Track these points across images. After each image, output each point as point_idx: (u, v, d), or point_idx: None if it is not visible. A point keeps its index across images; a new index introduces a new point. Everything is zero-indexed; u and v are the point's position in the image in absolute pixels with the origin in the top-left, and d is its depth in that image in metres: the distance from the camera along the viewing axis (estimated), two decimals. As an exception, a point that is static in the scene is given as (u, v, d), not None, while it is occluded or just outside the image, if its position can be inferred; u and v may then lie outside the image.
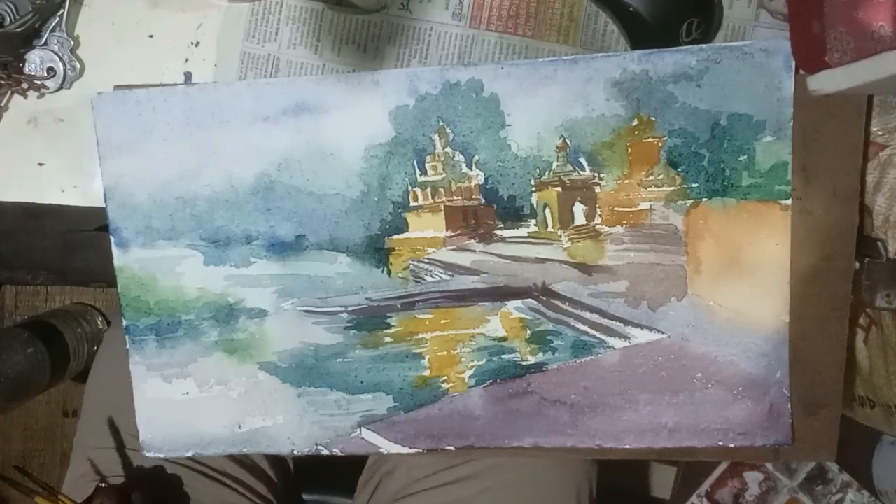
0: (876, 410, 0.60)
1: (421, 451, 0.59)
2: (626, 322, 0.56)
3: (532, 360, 0.57)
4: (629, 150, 0.55)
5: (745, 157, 0.53)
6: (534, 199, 0.56)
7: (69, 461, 0.77)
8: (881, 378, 0.58)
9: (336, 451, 0.60)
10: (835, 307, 0.56)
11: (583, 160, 0.55)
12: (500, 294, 0.57)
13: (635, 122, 0.54)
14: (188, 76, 0.62)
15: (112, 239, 0.59)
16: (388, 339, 0.58)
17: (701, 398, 0.56)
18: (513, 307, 0.57)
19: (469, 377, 0.58)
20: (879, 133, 0.55)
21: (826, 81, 0.50)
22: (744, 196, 0.54)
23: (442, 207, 0.57)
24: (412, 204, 0.57)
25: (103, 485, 0.66)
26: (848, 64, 0.48)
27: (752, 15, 0.57)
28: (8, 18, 0.59)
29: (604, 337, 0.56)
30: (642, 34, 0.55)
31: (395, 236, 0.57)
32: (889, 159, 0.54)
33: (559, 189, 0.55)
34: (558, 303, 0.57)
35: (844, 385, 0.57)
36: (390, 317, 0.58)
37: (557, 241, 0.56)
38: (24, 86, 0.61)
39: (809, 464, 0.83)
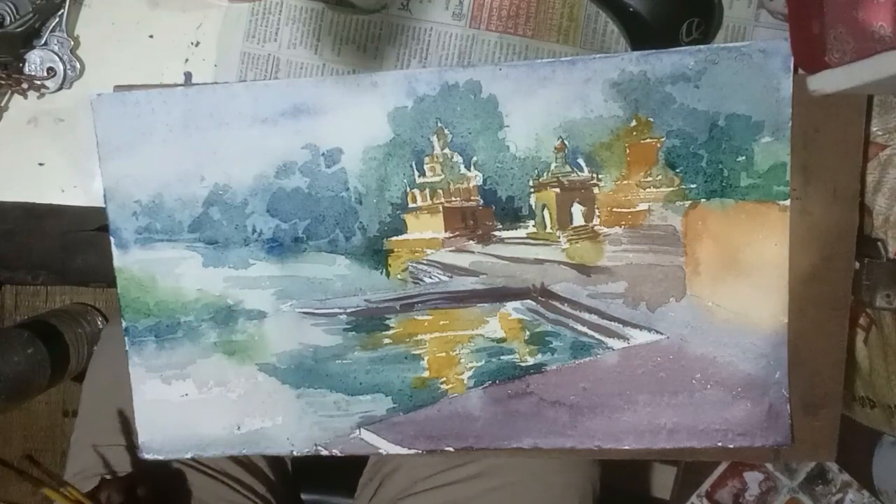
0: (876, 410, 0.60)
1: (420, 451, 0.59)
2: (624, 323, 0.56)
3: (531, 361, 0.57)
4: (627, 151, 0.54)
5: (744, 157, 0.53)
6: (532, 200, 0.56)
7: (66, 460, 0.77)
8: (881, 378, 0.58)
9: (335, 452, 0.60)
10: (835, 307, 0.56)
11: (581, 161, 0.55)
12: (499, 295, 0.57)
13: (633, 123, 0.54)
14: (188, 76, 0.62)
15: (112, 240, 0.59)
16: (386, 341, 0.58)
17: (700, 399, 0.56)
18: (511, 308, 0.57)
19: (468, 378, 0.58)
20: (879, 133, 0.54)
21: (826, 81, 0.50)
22: (742, 197, 0.54)
23: (440, 209, 0.57)
24: (411, 205, 0.57)
25: (108, 477, 0.66)
26: (848, 64, 0.48)
27: (752, 15, 0.57)
28: (8, 18, 0.59)
29: (602, 338, 0.56)
30: (642, 34, 0.55)
31: (394, 238, 0.57)
32: (889, 159, 0.54)
33: (557, 190, 0.55)
34: (557, 304, 0.57)
35: (844, 385, 0.57)
36: (389, 318, 0.58)
37: (556, 241, 0.56)
38: (24, 86, 0.61)
39: (809, 464, 0.83)
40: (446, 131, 0.56)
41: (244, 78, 0.61)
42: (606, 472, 0.74)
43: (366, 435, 0.59)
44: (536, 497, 0.68)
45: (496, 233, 0.56)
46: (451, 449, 0.59)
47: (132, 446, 0.72)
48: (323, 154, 0.57)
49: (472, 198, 0.56)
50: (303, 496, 0.89)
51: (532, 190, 0.56)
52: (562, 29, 0.58)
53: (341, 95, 0.56)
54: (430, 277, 0.57)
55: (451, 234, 0.57)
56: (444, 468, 0.70)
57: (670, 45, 0.54)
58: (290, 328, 0.59)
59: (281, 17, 0.60)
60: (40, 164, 0.64)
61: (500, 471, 0.68)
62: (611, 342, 0.56)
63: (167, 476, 0.71)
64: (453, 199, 0.56)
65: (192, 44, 0.62)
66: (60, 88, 0.62)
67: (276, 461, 0.81)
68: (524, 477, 0.68)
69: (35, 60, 0.61)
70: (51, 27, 0.61)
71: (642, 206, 0.55)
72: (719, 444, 0.57)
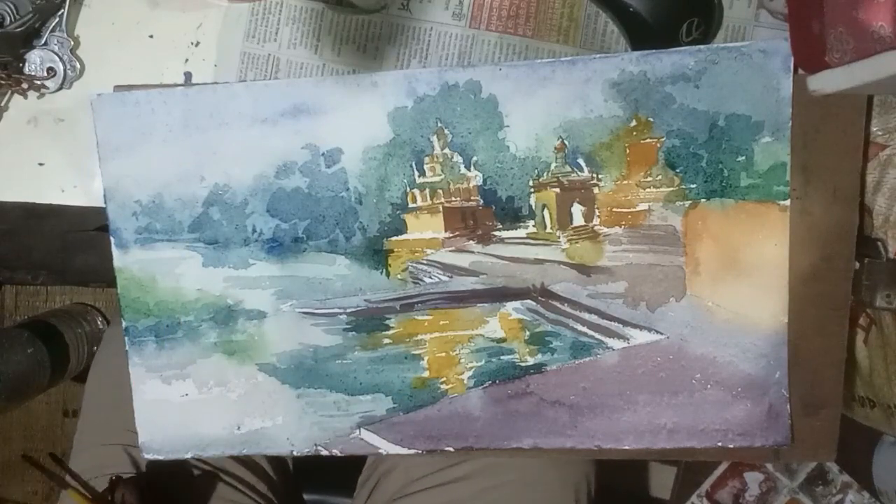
0: (876, 410, 0.60)
1: (420, 451, 0.59)
2: (624, 323, 0.56)
3: (531, 361, 0.57)
4: (627, 151, 0.54)
5: (744, 157, 0.53)
6: (532, 200, 0.56)
7: (68, 460, 0.77)
8: (881, 378, 0.58)
9: (335, 452, 0.60)
10: (835, 307, 0.56)
11: (581, 161, 0.55)
12: (499, 295, 0.57)
13: (633, 123, 0.54)
14: (188, 76, 0.62)
15: (112, 240, 0.59)
16: (386, 341, 0.58)
17: (700, 399, 0.56)
18: (511, 308, 0.57)
19: (468, 378, 0.58)
20: (879, 133, 0.54)
21: (826, 81, 0.50)
22: (742, 197, 0.54)
23: (440, 209, 0.57)
24: (411, 205, 0.57)
25: (122, 476, 0.66)
26: (848, 64, 0.48)
27: (752, 15, 0.57)
28: (8, 18, 0.59)
29: (602, 338, 0.56)
30: (642, 34, 0.55)
31: (394, 238, 0.57)
32: (889, 159, 0.54)
33: (557, 190, 0.55)
34: (557, 304, 0.57)
35: (844, 385, 0.57)
36: (389, 318, 0.58)
37: (556, 241, 0.56)
38: (24, 86, 0.61)
39: (810, 464, 0.83)
40: (446, 131, 0.56)
41: (244, 78, 0.61)
42: (606, 472, 0.74)
43: (366, 435, 0.59)
44: (532, 495, 0.68)
45: (496, 233, 0.56)
46: (450, 449, 0.59)
47: (135, 447, 0.72)
48: (323, 154, 0.57)
49: (472, 198, 0.56)
50: (305, 496, 0.89)
51: (532, 190, 0.56)
52: (562, 29, 0.58)
53: (341, 95, 0.56)
54: (430, 277, 0.57)
55: (451, 234, 0.57)
56: (440, 468, 0.70)
57: (670, 45, 0.54)
58: (290, 328, 0.59)
59: (281, 17, 0.60)
60: (40, 164, 0.64)
61: (496, 470, 0.68)
62: (611, 342, 0.56)
63: (172, 476, 0.71)
64: (453, 199, 0.56)
65: (192, 44, 0.62)
66: (60, 88, 0.62)
67: (277, 461, 0.81)
68: (519, 476, 0.68)
69: (35, 60, 0.61)
70: (51, 27, 0.61)
71: (642, 206, 0.55)
72: (719, 444, 0.57)
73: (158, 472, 0.70)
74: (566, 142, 0.55)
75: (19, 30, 0.59)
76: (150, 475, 0.69)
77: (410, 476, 0.71)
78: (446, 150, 0.56)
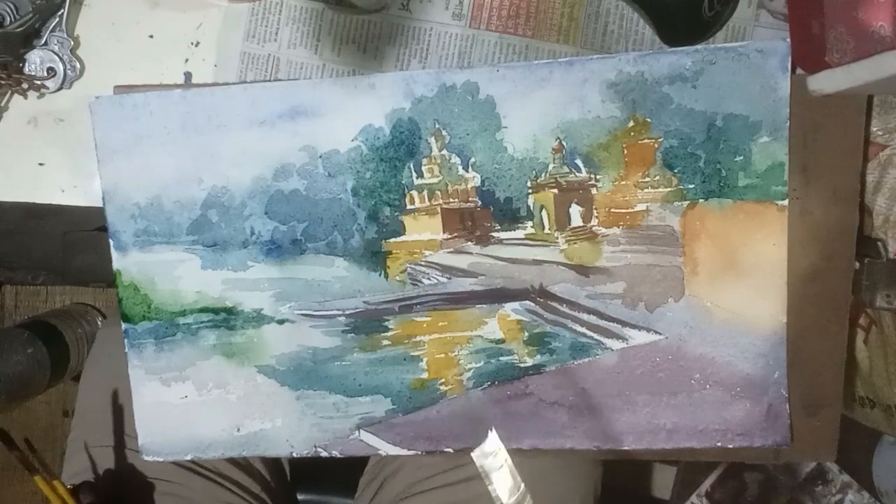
0: (876, 410, 0.60)
1: (419, 452, 0.59)
2: (623, 323, 0.56)
3: (530, 361, 0.57)
4: (625, 152, 0.54)
5: (742, 157, 0.53)
6: (530, 201, 0.56)
7: (64, 461, 0.77)
8: (881, 378, 0.58)
9: (335, 453, 0.60)
10: (835, 307, 0.56)
11: (579, 162, 0.55)
12: (498, 296, 0.57)
13: (631, 124, 0.54)
14: (188, 76, 0.62)
15: (111, 242, 0.59)
16: (385, 342, 0.58)
17: (699, 399, 0.56)
18: (510, 309, 0.57)
19: (467, 379, 0.58)
20: (879, 133, 0.54)
21: (826, 81, 0.50)
22: (740, 197, 0.54)
23: (439, 210, 0.57)
24: (409, 207, 0.57)
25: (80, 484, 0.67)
26: (848, 64, 0.48)
27: (752, 15, 0.57)
28: (8, 18, 0.59)
29: (601, 338, 0.56)
30: (664, 13, 0.55)
31: (392, 240, 0.57)
32: (889, 159, 0.54)
33: (555, 191, 0.55)
34: (556, 304, 0.56)
35: (844, 385, 0.57)
36: (388, 320, 0.58)
37: (554, 242, 0.56)
38: (24, 86, 0.62)
39: (809, 464, 0.83)
40: (444, 133, 0.56)
41: (244, 78, 0.61)
42: (606, 472, 0.74)
43: (365, 436, 0.59)
44: (537, 497, 0.68)
45: (494, 234, 0.56)
46: (450, 450, 0.59)
47: (128, 446, 0.72)
48: (321, 156, 0.57)
49: (470, 199, 0.56)
50: (302, 497, 0.89)
51: (530, 191, 0.56)
52: (562, 29, 0.58)
53: (339, 97, 0.56)
54: (429, 279, 0.57)
55: (450, 236, 0.57)
56: (448, 467, 0.69)
57: (693, 23, 0.53)
58: (289, 330, 0.59)
59: (281, 17, 0.60)
60: (40, 164, 0.64)
61: None
62: (609, 343, 0.56)
63: (157, 477, 0.71)
64: (451, 200, 0.56)
65: (192, 44, 0.62)
66: (60, 88, 0.62)
67: (272, 461, 0.81)
68: (525, 477, 0.68)
69: (35, 60, 0.61)
70: (51, 27, 0.61)
71: (640, 207, 0.55)
72: (718, 444, 0.57)
73: (146, 474, 0.70)
74: (564, 142, 0.55)
75: (19, 30, 0.59)
76: (137, 478, 0.69)
77: (417, 476, 0.71)
78: (444, 152, 0.56)
